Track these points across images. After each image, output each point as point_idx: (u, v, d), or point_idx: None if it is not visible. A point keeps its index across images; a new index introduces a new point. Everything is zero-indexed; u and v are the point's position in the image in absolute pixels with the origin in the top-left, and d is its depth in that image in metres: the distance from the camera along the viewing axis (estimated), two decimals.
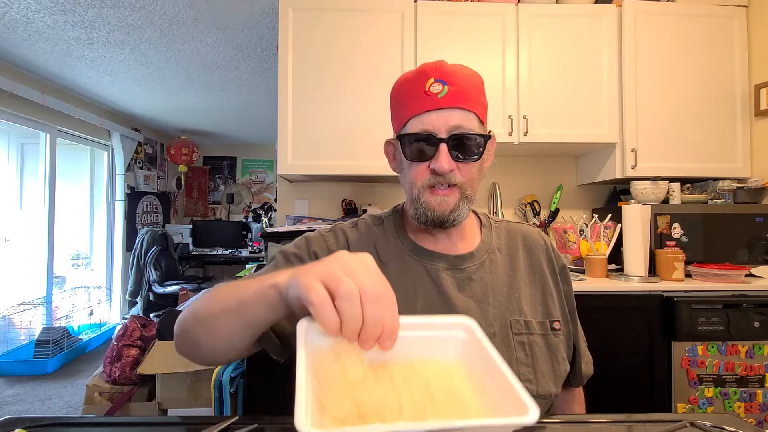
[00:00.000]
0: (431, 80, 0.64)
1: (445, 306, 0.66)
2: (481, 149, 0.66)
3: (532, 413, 0.32)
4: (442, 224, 0.67)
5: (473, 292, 0.68)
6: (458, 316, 0.47)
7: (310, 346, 0.40)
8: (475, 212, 0.78)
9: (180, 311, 2.45)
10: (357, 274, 0.39)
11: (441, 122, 0.63)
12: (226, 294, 0.53)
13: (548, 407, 0.66)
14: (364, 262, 0.41)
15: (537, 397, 0.62)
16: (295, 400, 0.32)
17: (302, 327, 0.41)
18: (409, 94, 0.66)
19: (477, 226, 0.76)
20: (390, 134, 0.74)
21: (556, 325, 0.70)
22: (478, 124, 0.66)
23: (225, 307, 0.51)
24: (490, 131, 0.69)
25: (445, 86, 0.63)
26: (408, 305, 0.66)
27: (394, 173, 0.75)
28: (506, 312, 0.67)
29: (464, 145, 0.64)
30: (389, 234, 0.74)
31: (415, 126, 0.65)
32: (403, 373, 0.41)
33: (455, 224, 0.67)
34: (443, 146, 0.63)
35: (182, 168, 5.11)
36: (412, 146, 0.65)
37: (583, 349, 0.77)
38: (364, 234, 0.74)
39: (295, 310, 0.44)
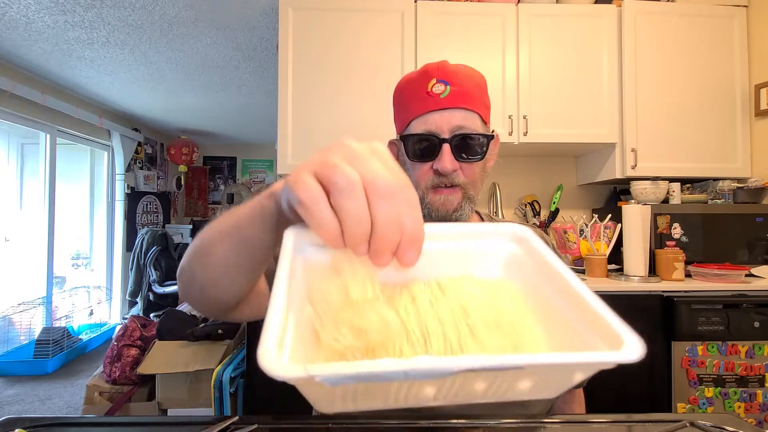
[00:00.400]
0: (434, 81, 0.64)
1: None
2: (484, 149, 0.66)
3: (630, 347, 0.22)
4: None
5: None
6: (507, 223, 0.36)
7: (299, 261, 0.30)
8: (478, 212, 0.78)
9: (181, 311, 2.45)
10: (363, 161, 0.29)
11: (444, 122, 0.64)
12: (224, 217, 0.44)
13: (549, 408, 0.66)
14: (375, 148, 0.31)
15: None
16: (264, 327, 0.23)
17: (290, 236, 0.31)
18: (411, 95, 0.66)
19: None
20: (391, 134, 0.74)
21: None
22: (480, 123, 0.66)
23: (221, 230, 0.43)
24: (493, 131, 0.69)
25: (448, 86, 0.63)
26: None
27: None
28: None
29: (467, 145, 0.64)
30: None
31: (417, 126, 0.65)
32: (429, 295, 0.31)
33: None
34: (446, 146, 0.63)
35: (182, 168, 5.10)
36: (415, 147, 0.65)
37: None
38: None
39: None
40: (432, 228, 0.32)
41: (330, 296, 0.29)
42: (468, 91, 0.65)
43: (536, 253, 0.32)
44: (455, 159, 0.64)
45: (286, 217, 0.34)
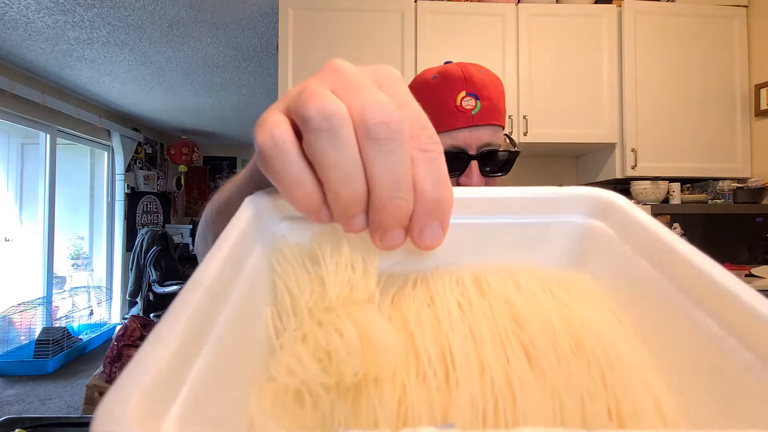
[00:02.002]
0: (463, 93, 0.61)
1: None
2: (510, 165, 0.65)
3: None
4: None
5: None
6: (578, 188, 0.24)
7: (258, 247, 0.20)
8: None
9: None
10: (357, 88, 0.19)
11: (473, 140, 0.62)
12: (225, 187, 0.39)
13: None
14: (379, 71, 0.21)
15: None
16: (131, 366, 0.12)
17: (247, 209, 0.20)
18: (438, 106, 0.62)
19: None
20: None
21: None
22: (504, 136, 0.66)
23: (219, 206, 0.38)
24: (516, 148, 0.68)
25: (478, 102, 0.61)
26: None
27: None
28: None
29: (494, 161, 0.64)
30: None
31: (443, 142, 0.62)
32: (458, 296, 0.20)
33: None
34: (474, 163, 0.62)
35: (182, 168, 5.10)
36: None
37: None
38: None
39: None
40: (465, 192, 0.22)
41: (299, 298, 0.18)
42: (496, 105, 0.63)
43: (636, 228, 0.20)
44: (481, 174, 0.63)
45: None
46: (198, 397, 0.13)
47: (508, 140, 0.69)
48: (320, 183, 0.18)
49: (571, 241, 0.23)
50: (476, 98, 0.61)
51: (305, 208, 0.19)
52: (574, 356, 0.17)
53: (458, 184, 0.64)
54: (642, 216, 0.21)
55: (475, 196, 0.23)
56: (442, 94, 0.62)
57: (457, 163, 0.63)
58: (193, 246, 4.98)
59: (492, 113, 0.62)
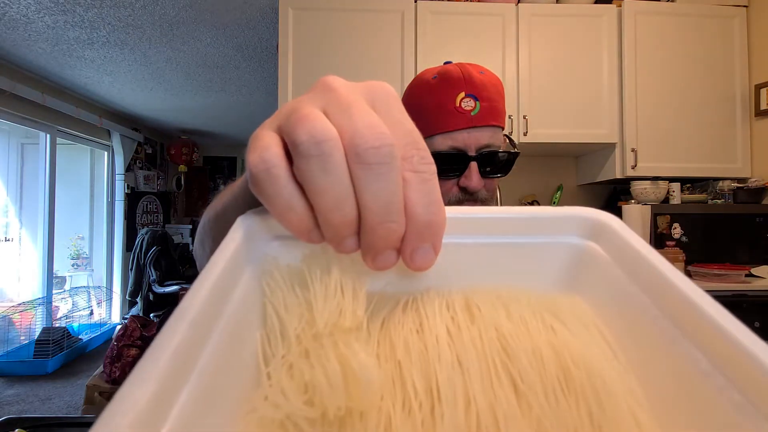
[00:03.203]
0: (462, 94, 0.61)
1: None
2: (509, 166, 0.66)
3: None
4: None
5: None
6: (572, 208, 0.23)
7: (248, 269, 0.20)
8: None
9: None
10: (348, 109, 0.19)
11: (472, 141, 0.62)
12: (220, 196, 0.40)
13: None
14: (373, 88, 0.21)
15: None
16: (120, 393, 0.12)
17: (240, 227, 0.20)
18: (436, 107, 0.63)
19: None
20: None
21: None
22: (503, 136, 0.67)
23: (216, 213, 0.39)
24: (515, 148, 0.69)
25: (477, 103, 0.61)
26: None
27: None
28: None
29: (493, 162, 0.64)
30: None
31: (443, 143, 0.63)
32: (448, 321, 0.20)
33: None
34: (474, 165, 0.62)
35: (182, 168, 5.10)
36: (441, 163, 0.64)
37: None
38: None
39: None
40: (459, 212, 0.22)
41: (288, 323, 0.18)
42: (496, 106, 0.63)
43: (630, 252, 0.20)
44: (481, 176, 0.63)
45: None
46: (199, 407, 0.14)
47: (507, 141, 0.69)
48: (311, 206, 0.18)
49: (565, 263, 0.23)
50: (476, 99, 0.61)
51: (297, 230, 0.19)
52: (562, 391, 0.17)
53: (458, 186, 0.64)
54: (636, 241, 0.21)
55: (469, 217, 0.23)
56: (442, 94, 0.62)
57: (456, 164, 0.63)
58: (193, 247, 4.96)
59: (491, 114, 0.62)
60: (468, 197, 0.65)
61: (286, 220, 0.19)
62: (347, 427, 0.16)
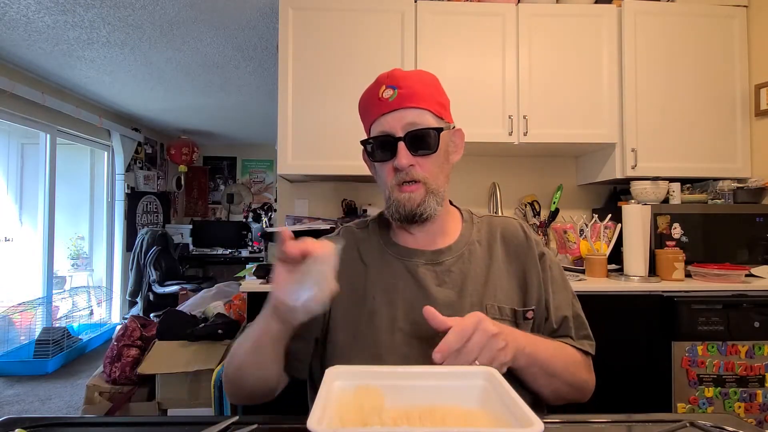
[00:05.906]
0: (383, 87, 0.70)
1: (426, 300, 0.67)
2: (437, 142, 0.70)
3: (535, 426, 0.35)
4: (413, 219, 0.71)
5: (453, 283, 0.71)
6: (479, 367, 0.50)
7: (335, 388, 0.46)
8: (459, 209, 0.81)
9: (181, 311, 2.45)
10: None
11: (396, 122, 0.69)
12: (244, 338, 0.65)
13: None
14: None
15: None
16: (313, 406, 0.38)
17: (331, 374, 0.48)
18: (367, 103, 0.74)
19: (459, 222, 0.79)
20: None
21: (529, 314, 0.71)
22: (434, 119, 0.70)
23: (245, 351, 0.64)
24: (452, 125, 0.74)
25: (395, 90, 0.69)
26: (389, 301, 0.70)
27: None
28: (483, 298, 0.70)
29: (421, 140, 0.69)
30: (372, 235, 0.78)
31: (375, 129, 0.71)
32: (421, 412, 0.44)
33: (426, 218, 0.70)
34: (401, 144, 0.68)
35: (182, 168, 5.10)
36: (375, 149, 0.72)
37: (576, 315, 0.75)
38: (348, 239, 0.78)
39: None
40: (424, 369, 0.49)
41: (349, 407, 0.43)
42: (416, 91, 0.69)
43: (499, 387, 0.45)
44: (411, 155, 0.68)
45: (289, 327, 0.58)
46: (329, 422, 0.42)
47: (447, 126, 0.73)
48: None
49: (475, 393, 0.47)
50: (394, 88, 0.70)
51: None
52: (462, 423, 0.45)
53: (393, 168, 0.70)
54: (502, 382, 0.46)
55: (429, 372, 0.48)
56: (371, 92, 0.73)
57: (387, 147, 0.70)
58: (193, 247, 4.99)
59: (410, 98, 0.69)
60: (402, 177, 0.69)
61: None
62: None
